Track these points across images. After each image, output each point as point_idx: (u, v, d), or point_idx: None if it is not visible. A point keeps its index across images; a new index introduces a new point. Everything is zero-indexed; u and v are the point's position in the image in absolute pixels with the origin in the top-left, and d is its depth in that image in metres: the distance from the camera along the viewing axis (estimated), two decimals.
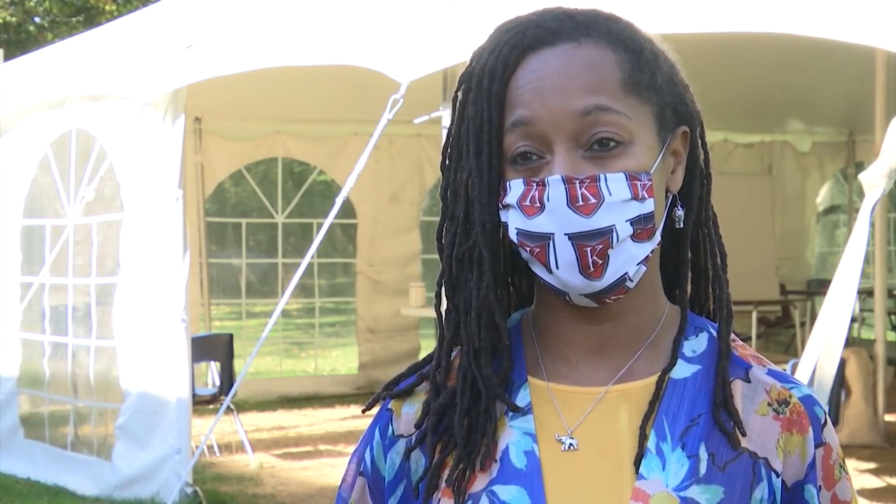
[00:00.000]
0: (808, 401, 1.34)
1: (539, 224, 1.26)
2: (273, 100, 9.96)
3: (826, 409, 1.37)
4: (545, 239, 1.26)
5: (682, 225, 1.36)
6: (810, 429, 1.32)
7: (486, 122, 1.28)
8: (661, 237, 1.34)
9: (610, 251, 1.25)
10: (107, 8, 18.85)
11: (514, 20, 1.33)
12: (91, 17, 18.72)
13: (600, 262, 1.25)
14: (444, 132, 1.40)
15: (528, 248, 1.27)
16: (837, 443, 1.36)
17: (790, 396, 1.33)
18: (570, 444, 1.31)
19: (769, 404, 1.33)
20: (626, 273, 1.27)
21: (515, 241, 1.29)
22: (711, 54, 7.19)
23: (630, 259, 1.27)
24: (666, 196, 1.33)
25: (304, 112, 10.69)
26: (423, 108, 5.92)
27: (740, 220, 10.77)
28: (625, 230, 1.26)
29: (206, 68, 7.06)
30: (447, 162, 1.35)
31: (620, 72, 1.28)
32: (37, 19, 20.28)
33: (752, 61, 8.89)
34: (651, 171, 1.28)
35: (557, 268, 1.26)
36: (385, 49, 6.10)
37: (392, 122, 5.85)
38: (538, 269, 1.29)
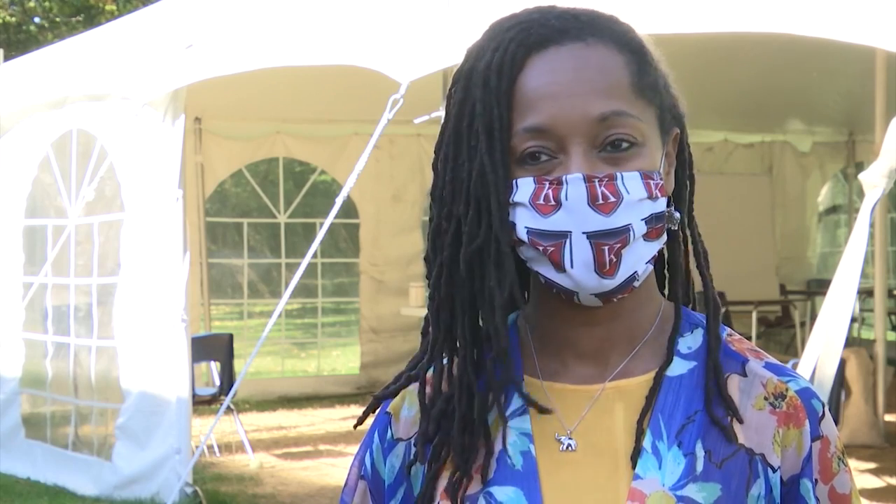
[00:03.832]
0: (806, 393, 1.33)
1: (555, 222, 1.25)
2: (273, 100, 9.96)
3: (825, 401, 1.37)
4: (561, 237, 1.25)
5: (676, 227, 1.36)
6: (807, 422, 1.32)
7: (496, 121, 1.27)
8: None
9: (624, 250, 1.26)
10: (107, 8, 18.86)
11: (512, 18, 1.31)
12: (91, 17, 18.74)
13: (615, 260, 1.25)
14: None
15: (540, 247, 1.26)
16: (837, 435, 1.35)
17: (787, 390, 1.33)
18: (569, 445, 1.31)
19: (766, 398, 1.32)
20: (636, 272, 1.27)
21: (525, 239, 1.27)
22: (711, 54, 7.20)
23: (640, 258, 1.27)
24: None
25: (304, 112, 10.70)
26: (423, 108, 5.93)
27: (740, 220, 10.78)
28: (640, 229, 1.26)
29: (206, 68, 7.07)
30: (443, 160, 1.33)
31: (629, 74, 1.28)
32: (37, 19, 20.29)
33: (752, 61, 8.89)
34: (661, 171, 1.29)
35: (572, 267, 1.25)
36: (385, 49, 6.10)
37: (392, 122, 5.86)
38: (545, 269, 1.28)
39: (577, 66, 1.26)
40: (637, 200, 1.26)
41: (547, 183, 1.25)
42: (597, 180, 1.24)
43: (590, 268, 1.25)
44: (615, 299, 1.28)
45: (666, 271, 1.40)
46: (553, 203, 1.25)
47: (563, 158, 1.26)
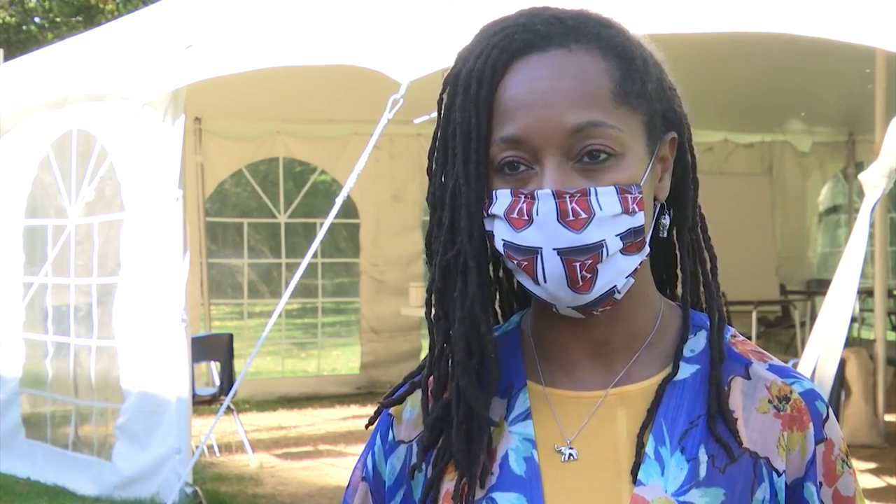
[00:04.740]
0: (810, 396, 1.32)
1: (527, 237, 1.24)
2: (273, 100, 9.96)
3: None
4: (533, 253, 1.24)
5: (665, 234, 1.34)
6: (811, 425, 1.30)
7: (473, 129, 1.26)
8: (650, 242, 1.33)
9: (599, 265, 1.24)
10: (107, 8, 18.86)
11: (500, 22, 1.30)
12: (91, 17, 18.73)
13: (589, 276, 1.24)
14: None
15: (515, 261, 1.26)
16: (841, 437, 1.33)
17: (791, 392, 1.31)
18: (570, 455, 1.30)
19: (770, 401, 1.31)
20: (615, 286, 1.26)
21: (502, 252, 1.27)
22: (711, 54, 7.19)
23: (619, 273, 1.26)
24: (654, 204, 1.31)
25: (304, 112, 10.70)
26: (423, 108, 5.88)
27: (740, 220, 10.77)
28: (615, 245, 1.24)
29: (206, 68, 7.07)
30: (433, 166, 1.33)
31: (611, 82, 1.25)
32: (37, 19, 20.30)
33: (752, 61, 8.89)
34: (641, 183, 1.26)
35: (545, 281, 1.24)
36: (385, 49, 6.10)
37: (392, 121, 5.85)
38: (525, 281, 1.27)
39: (556, 75, 1.24)
40: (611, 216, 1.23)
41: (522, 196, 1.24)
42: (567, 196, 1.22)
43: (562, 283, 1.24)
44: (596, 312, 1.27)
45: (678, 271, 1.39)
46: (526, 218, 1.24)
47: (539, 169, 1.24)
